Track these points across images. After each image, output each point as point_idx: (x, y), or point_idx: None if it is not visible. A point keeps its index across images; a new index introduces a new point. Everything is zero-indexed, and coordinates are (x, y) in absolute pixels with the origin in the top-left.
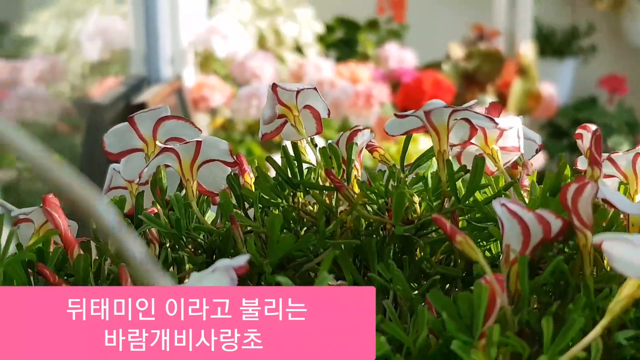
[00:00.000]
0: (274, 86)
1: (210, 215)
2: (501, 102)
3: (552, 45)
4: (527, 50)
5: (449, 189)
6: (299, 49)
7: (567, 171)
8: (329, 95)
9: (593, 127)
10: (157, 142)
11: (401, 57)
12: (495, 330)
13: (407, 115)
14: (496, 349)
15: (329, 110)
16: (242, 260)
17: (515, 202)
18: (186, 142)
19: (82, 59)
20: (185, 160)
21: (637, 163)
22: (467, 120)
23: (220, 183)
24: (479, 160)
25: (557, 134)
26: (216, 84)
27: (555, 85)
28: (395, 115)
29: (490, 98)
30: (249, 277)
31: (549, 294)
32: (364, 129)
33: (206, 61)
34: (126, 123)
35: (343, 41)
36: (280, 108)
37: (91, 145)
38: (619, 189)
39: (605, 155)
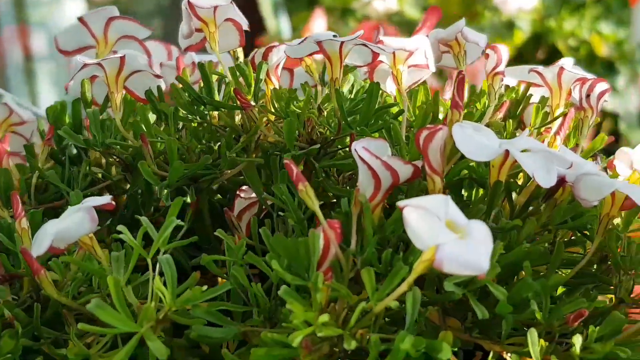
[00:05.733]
0: (188, 3)
1: None
2: None
3: None
4: None
5: (340, 114)
6: None
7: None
8: None
9: (502, 47)
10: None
11: None
12: (319, 277)
13: (303, 41)
14: (323, 294)
15: (248, 24)
16: (107, 198)
17: (366, 150)
18: (110, 58)
19: None
20: (110, 73)
21: (562, 76)
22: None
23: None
24: (374, 87)
25: None
26: None
27: None
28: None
29: None
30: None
31: None
32: (280, 44)
33: None
34: (77, 22)
35: None
36: (198, 23)
37: None
38: (540, 103)
39: (529, 67)
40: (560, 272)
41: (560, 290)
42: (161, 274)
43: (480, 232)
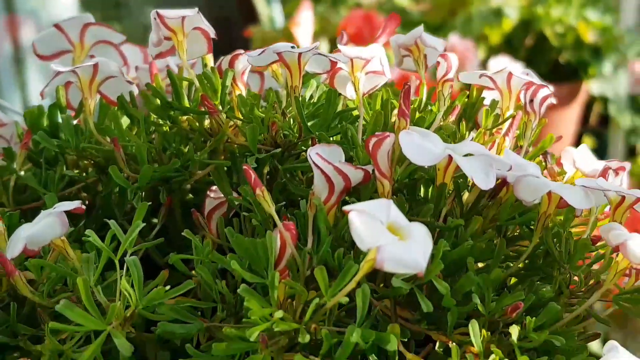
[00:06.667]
0: (157, 14)
1: None
2: None
3: None
4: None
5: (300, 120)
6: None
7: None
8: None
9: (452, 55)
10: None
11: None
12: (275, 276)
13: (263, 52)
14: (280, 291)
15: (215, 32)
16: (77, 203)
17: (320, 156)
18: (83, 65)
19: None
20: (84, 79)
21: (510, 81)
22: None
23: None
24: (332, 93)
25: None
26: None
27: None
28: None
29: None
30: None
31: None
32: (244, 52)
33: None
34: (54, 29)
35: None
36: (167, 32)
37: None
38: (490, 107)
39: (481, 72)
40: (510, 264)
41: (514, 280)
42: None
43: (420, 233)
